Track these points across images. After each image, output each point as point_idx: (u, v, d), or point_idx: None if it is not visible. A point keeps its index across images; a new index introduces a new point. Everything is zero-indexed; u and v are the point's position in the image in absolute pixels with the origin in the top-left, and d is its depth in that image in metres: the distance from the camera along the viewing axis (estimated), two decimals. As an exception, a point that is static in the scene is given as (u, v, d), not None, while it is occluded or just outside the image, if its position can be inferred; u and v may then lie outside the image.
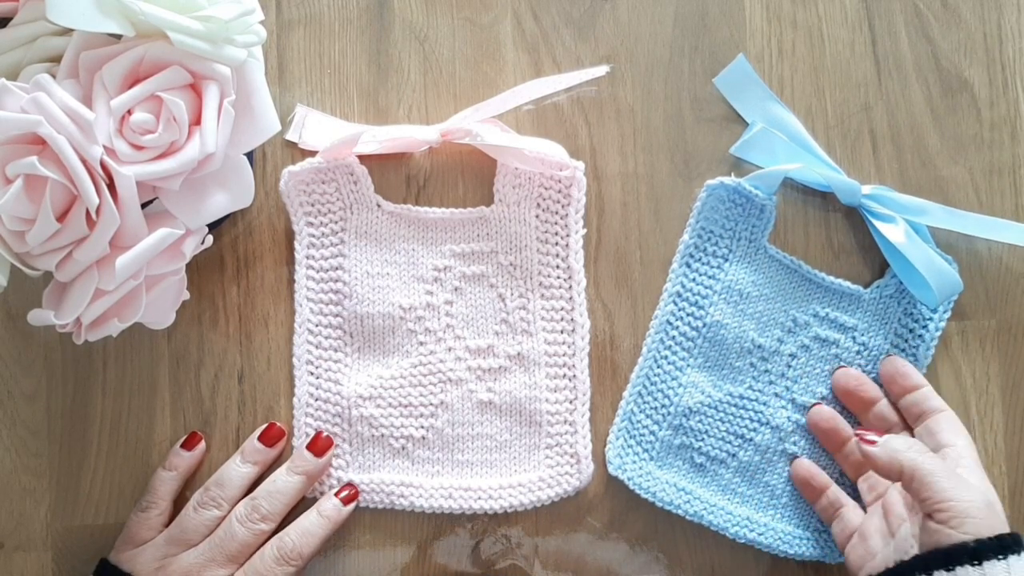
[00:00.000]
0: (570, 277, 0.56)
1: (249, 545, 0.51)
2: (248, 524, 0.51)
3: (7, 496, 0.55)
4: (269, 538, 0.52)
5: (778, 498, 0.56)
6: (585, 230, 0.57)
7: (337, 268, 0.56)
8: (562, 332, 0.56)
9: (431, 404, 0.55)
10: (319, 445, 0.54)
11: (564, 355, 0.56)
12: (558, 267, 0.56)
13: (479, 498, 0.54)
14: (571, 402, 0.55)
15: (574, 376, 0.55)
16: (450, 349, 0.56)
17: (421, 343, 0.56)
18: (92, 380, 0.56)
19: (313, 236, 0.56)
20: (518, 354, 0.56)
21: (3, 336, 0.56)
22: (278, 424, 0.55)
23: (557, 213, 0.56)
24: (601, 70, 0.57)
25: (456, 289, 0.56)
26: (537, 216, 0.56)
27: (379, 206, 0.56)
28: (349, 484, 0.54)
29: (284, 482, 0.53)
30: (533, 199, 0.56)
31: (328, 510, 0.52)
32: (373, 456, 0.55)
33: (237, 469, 0.53)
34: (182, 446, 0.54)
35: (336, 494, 0.53)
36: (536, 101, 0.57)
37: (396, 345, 0.56)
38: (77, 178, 0.42)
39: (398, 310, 0.56)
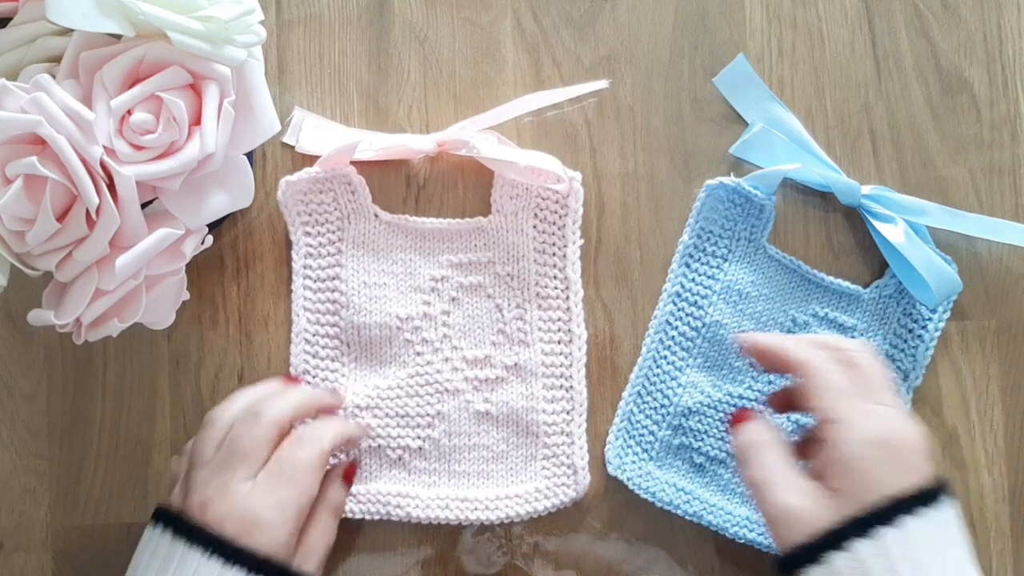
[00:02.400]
0: (567, 288, 0.56)
1: (258, 437, 0.45)
2: (249, 420, 0.45)
3: (7, 496, 0.55)
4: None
5: (778, 498, 0.56)
6: (583, 240, 0.56)
7: (334, 278, 0.56)
8: (559, 343, 0.56)
9: (428, 415, 0.55)
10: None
11: (561, 366, 0.56)
12: (555, 278, 0.56)
13: (475, 509, 0.54)
14: (568, 413, 0.55)
15: (571, 387, 0.55)
16: (447, 359, 0.56)
17: (418, 353, 0.56)
18: (92, 380, 0.56)
19: (310, 246, 0.56)
20: (515, 365, 0.55)
21: (3, 336, 0.56)
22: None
23: (555, 224, 0.56)
24: (601, 84, 0.57)
25: (453, 299, 0.56)
26: (535, 227, 0.56)
27: (376, 216, 0.56)
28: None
29: (287, 389, 0.49)
30: (530, 209, 0.56)
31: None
32: (370, 466, 0.55)
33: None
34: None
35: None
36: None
37: (393, 355, 0.56)
38: (77, 178, 0.42)
39: (395, 320, 0.55)
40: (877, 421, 0.41)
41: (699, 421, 0.55)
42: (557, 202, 0.56)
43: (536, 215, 0.56)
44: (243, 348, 0.56)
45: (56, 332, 0.46)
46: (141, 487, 0.55)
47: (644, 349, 0.56)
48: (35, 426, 0.56)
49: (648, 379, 0.56)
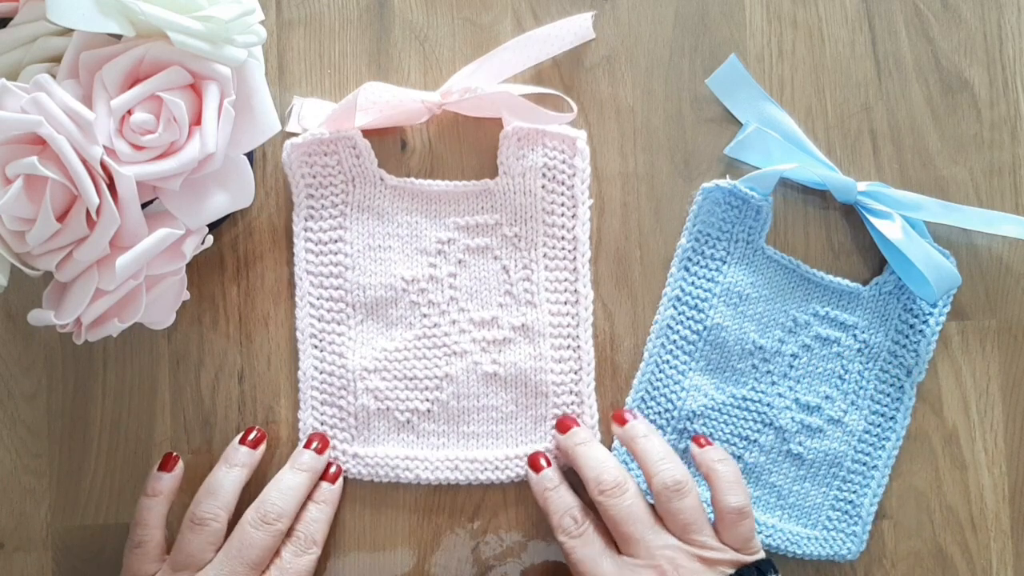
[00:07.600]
0: (575, 248, 0.56)
1: (268, 548, 0.50)
2: (263, 527, 0.50)
3: (7, 496, 0.55)
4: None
5: (784, 499, 0.56)
6: (592, 200, 0.56)
7: (337, 241, 0.56)
8: (566, 303, 0.56)
9: (436, 377, 0.55)
10: (319, 444, 0.54)
11: (568, 326, 0.56)
12: (563, 238, 0.56)
13: (485, 469, 0.54)
14: (576, 372, 0.55)
15: (578, 347, 0.55)
16: (454, 321, 0.56)
17: (424, 315, 0.56)
18: (92, 380, 0.56)
19: (312, 208, 0.56)
20: (522, 325, 0.55)
21: (3, 336, 0.56)
22: (258, 427, 0.55)
23: (563, 183, 0.56)
24: (586, 18, 0.56)
25: (460, 261, 0.56)
26: (543, 186, 0.56)
27: (382, 180, 0.56)
28: (331, 463, 0.54)
29: (290, 479, 0.52)
30: (538, 169, 0.56)
31: (323, 495, 0.53)
32: (378, 429, 0.55)
33: (226, 475, 0.52)
34: (160, 468, 0.53)
35: (323, 477, 0.54)
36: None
37: (399, 317, 0.56)
38: (77, 178, 0.42)
39: (400, 282, 0.55)
40: None
41: (704, 424, 0.55)
42: (564, 162, 0.56)
43: (544, 175, 0.56)
44: (243, 348, 0.56)
45: (56, 332, 0.46)
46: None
47: (646, 354, 0.56)
48: (35, 426, 0.56)
49: (651, 384, 0.56)
